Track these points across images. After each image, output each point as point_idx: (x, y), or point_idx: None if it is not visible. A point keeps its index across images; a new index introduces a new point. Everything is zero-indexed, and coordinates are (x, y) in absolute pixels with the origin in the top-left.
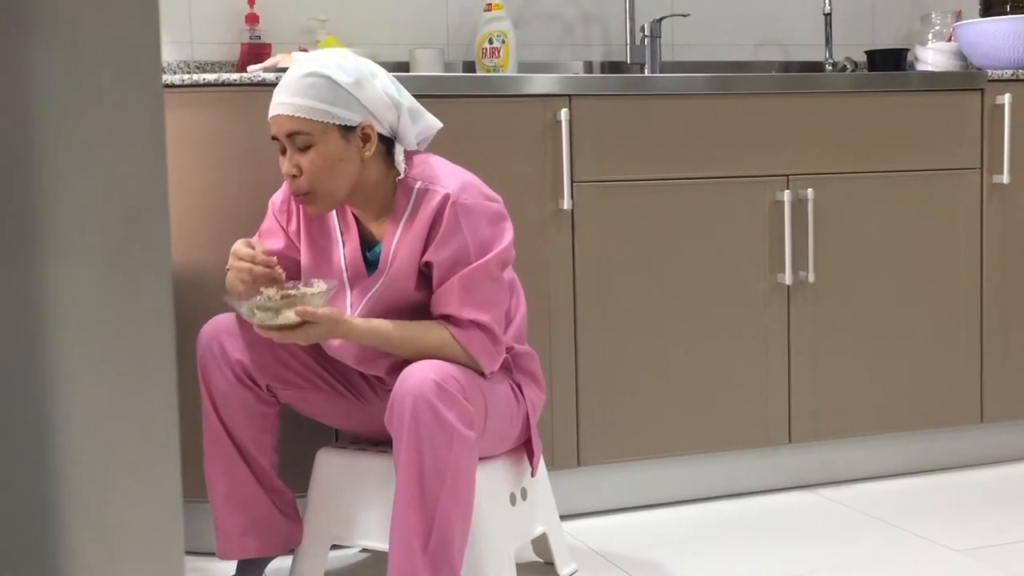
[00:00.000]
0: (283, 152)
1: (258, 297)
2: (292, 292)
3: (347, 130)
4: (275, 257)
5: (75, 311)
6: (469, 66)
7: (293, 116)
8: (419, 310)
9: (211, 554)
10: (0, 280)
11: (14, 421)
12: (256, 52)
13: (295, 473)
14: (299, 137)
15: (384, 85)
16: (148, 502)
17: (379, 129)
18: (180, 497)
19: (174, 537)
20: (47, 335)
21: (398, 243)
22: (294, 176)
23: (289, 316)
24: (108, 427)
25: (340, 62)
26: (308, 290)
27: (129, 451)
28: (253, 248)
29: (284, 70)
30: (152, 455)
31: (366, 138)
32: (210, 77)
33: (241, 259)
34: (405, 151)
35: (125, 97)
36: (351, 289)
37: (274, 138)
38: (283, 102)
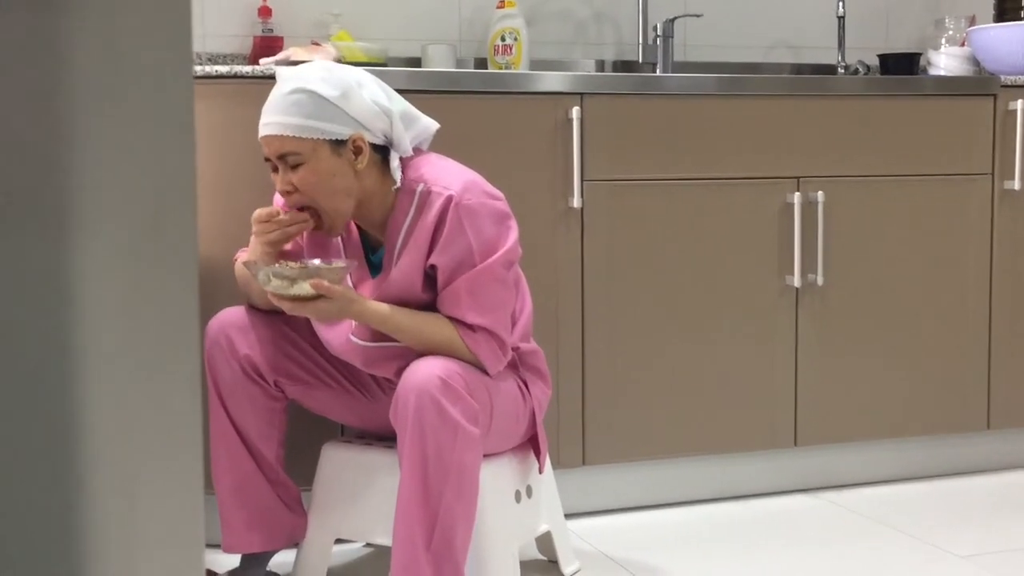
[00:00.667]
0: (275, 170)
1: (276, 264)
2: (310, 265)
3: (337, 144)
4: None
5: (103, 295)
6: (481, 63)
7: (281, 136)
8: (426, 311)
9: (215, 546)
10: (31, 261)
11: (40, 405)
12: (269, 45)
13: (300, 467)
14: (290, 156)
15: (372, 93)
16: (170, 488)
17: (371, 139)
18: (201, 483)
19: (195, 526)
20: (75, 318)
21: (402, 246)
22: (288, 192)
23: (304, 287)
24: (132, 413)
25: (324, 75)
26: (325, 265)
27: (152, 439)
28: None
29: (296, 63)
30: (175, 443)
31: (357, 150)
32: (222, 69)
33: (264, 221)
34: (402, 156)
35: (156, 82)
36: (356, 291)
37: (266, 159)
38: (270, 122)
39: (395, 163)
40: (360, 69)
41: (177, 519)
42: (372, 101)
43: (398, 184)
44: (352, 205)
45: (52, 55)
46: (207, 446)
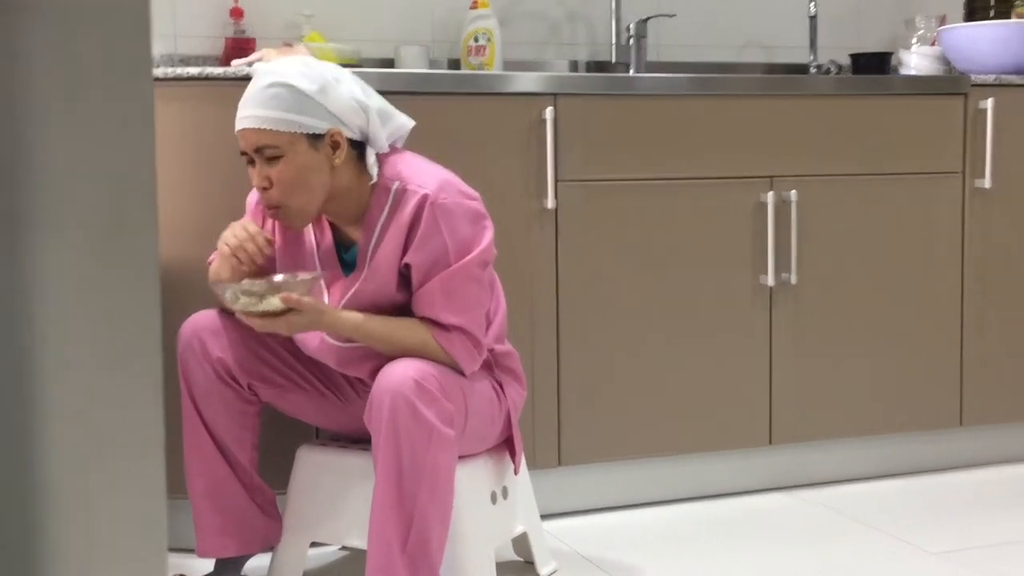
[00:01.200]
0: (251, 164)
1: (243, 282)
2: (277, 279)
3: (315, 138)
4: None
5: (61, 299)
6: (454, 64)
7: (259, 129)
8: (400, 311)
9: (189, 550)
10: None
11: None
12: (240, 46)
13: (275, 470)
14: (267, 149)
15: (350, 89)
16: (132, 494)
17: (348, 134)
18: (164, 488)
19: (158, 532)
20: (32, 323)
21: (376, 244)
22: (265, 188)
23: (273, 302)
24: (92, 417)
25: (302, 70)
26: (292, 278)
27: (114, 443)
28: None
29: None
30: (137, 447)
31: (335, 145)
32: (193, 71)
33: (233, 238)
34: (378, 152)
35: (115, 83)
36: (328, 290)
37: (243, 152)
38: (248, 115)
39: (371, 159)
40: (338, 66)
41: (138, 526)
42: (350, 96)
43: (375, 180)
44: (321, 202)
45: (8, 55)
46: (180, 450)
